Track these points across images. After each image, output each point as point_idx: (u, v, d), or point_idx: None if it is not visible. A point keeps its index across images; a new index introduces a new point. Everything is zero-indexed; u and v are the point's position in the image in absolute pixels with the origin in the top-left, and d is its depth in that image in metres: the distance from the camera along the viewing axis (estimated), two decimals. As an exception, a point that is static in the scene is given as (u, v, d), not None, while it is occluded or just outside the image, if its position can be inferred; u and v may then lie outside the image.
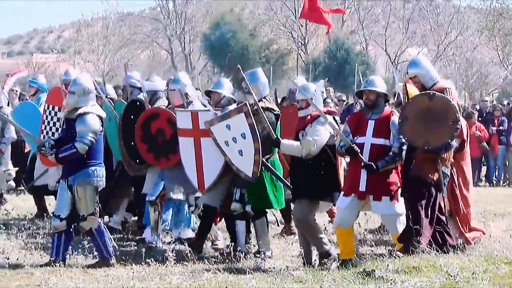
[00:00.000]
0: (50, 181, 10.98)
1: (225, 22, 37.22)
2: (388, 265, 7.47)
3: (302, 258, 8.45)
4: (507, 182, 18.89)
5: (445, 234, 8.28)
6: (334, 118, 8.50)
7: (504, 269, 7.33)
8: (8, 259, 8.40)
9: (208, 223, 9.16)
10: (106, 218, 10.69)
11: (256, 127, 8.56)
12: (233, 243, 8.95)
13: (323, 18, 21.08)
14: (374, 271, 7.32)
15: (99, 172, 8.38)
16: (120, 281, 7.56)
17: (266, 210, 9.17)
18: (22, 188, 12.90)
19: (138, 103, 9.97)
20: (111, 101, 10.50)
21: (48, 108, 10.93)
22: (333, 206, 8.82)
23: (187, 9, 44.76)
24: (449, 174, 8.46)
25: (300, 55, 32.16)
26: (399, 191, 8.20)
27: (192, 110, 9.15)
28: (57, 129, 10.58)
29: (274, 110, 8.99)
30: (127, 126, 9.90)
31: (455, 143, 8.33)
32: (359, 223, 8.65)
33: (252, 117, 8.56)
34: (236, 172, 8.80)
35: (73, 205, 8.33)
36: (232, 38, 36.42)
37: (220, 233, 9.53)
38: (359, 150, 8.08)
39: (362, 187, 8.09)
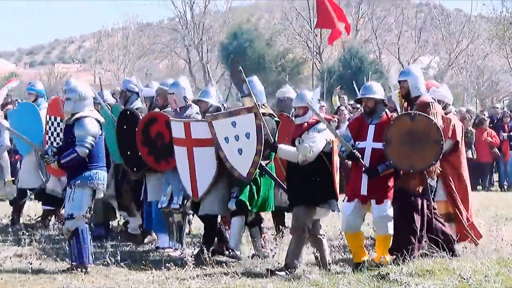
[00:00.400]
0: (58, 189, 11.04)
1: (242, 31, 37.30)
2: (402, 268, 7.57)
3: (317, 261, 8.44)
4: (518, 187, 18.98)
5: (446, 241, 8.33)
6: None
7: (516, 272, 7.42)
8: (30, 263, 8.44)
9: (211, 232, 9.20)
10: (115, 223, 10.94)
11: (262, 130, 8.59)
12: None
13: (337, 27, 21.52)
14: (389, 274, 7.44)
15: (100, 175, 8.39)
16: (141, 285, 7.64)
17: (262, 218, 9.34)
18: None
19: (128, 113, 10.01)
20: (109, 107, 10.48)
21: (50, 119, 11.08)
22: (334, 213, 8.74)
23: (205, 20, 44.79)
24: (435, 185, 8.46)
25: (315, 64, 32.71)
26: None
27: (184, 120, 9.11)
28: (61, 139, 10.48)
29: (275, 116, 9.11)
30: (122, 136, 9.98)
31: (446, 146, 8.27)
32: (373, 227, 8.71)
33: (261, 119, 8.61)
34: (229, 170, 8.83)
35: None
36: (249, 47, 36.51)
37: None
38: (360, 156, 8.14)
39: (364, 191, 8.14)
